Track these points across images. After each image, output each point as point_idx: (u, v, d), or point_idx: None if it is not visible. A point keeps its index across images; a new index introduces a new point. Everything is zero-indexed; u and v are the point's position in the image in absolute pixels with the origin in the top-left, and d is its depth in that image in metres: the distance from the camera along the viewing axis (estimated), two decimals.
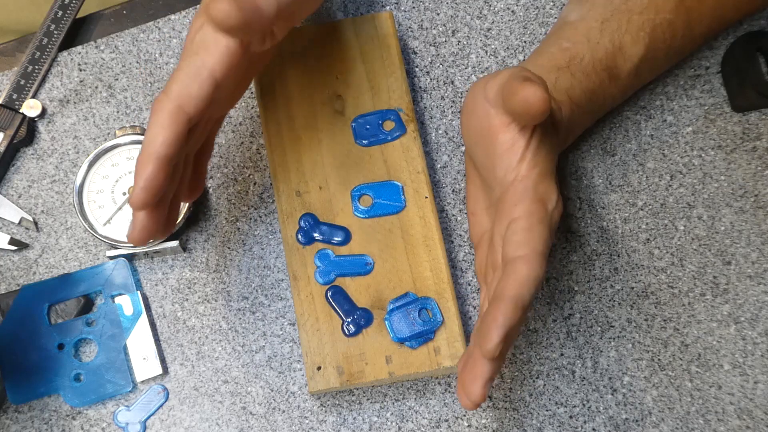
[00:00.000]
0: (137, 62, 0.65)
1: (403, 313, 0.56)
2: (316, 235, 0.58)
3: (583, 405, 0.59)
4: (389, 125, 0.60)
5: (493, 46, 0.65)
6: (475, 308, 0.60)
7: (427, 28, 0.66)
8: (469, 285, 0.61)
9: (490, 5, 0.66)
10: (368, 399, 0.59)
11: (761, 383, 0.59)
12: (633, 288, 0.61)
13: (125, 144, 0.61)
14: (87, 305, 0.60)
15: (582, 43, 0.56)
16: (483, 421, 0.58)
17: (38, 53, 0.64)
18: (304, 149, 0.60)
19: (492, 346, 0.45)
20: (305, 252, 0.58)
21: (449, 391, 0.59)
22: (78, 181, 0.60)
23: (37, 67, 0.64)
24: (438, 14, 0.66)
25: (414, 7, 0.66)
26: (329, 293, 0.57)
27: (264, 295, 0.61)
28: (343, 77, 0.61)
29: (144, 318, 0.59)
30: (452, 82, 0.65)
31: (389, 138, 0.59)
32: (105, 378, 0.58)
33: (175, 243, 0.60)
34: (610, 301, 0.61)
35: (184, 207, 0.59)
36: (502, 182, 0.51)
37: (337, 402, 0.59)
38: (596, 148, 0.63)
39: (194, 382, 0.59)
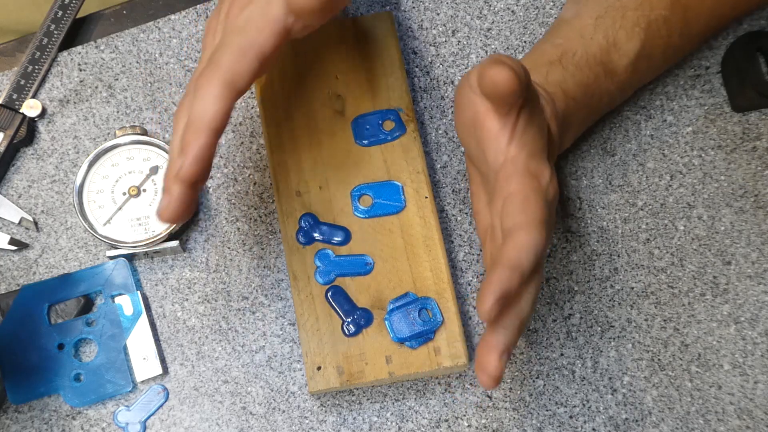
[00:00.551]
0: (137, 62, 0.65)
1: (403, 313, 0.56)
2: (316, 235, 0.58)
3: (583, 405, 0.59)
4: (389, 125, 0.60)
5: (493, 46, 0.65)
6: (475, 308, 0.60)
7: (427, 28, 0.66)
8: (469, 285, 0.61)
9: (490, 5, 0.66)
10: (368, 399, 0.59)
11: (761, 383, 0.59)
12: (633, 288, 0.61)
13: (125, 144, 0.61)
14: (87, 305, 0.60)
15: (575, 39, 0.56)
16: (483, 421, 0.58)
17: (38, 53, 0.64)
18: (304, 149, 0.60)
19: (486, 308, 0.45)
20: (305, 252, 0.58)
21: (449, 391, 0.59)
22: (78, 181, 0.60)
23: (37, 67, 0.64)
24: (438, 14, 0.66)
25: (414, 7, 0.66)
26: (329, 293, 0.57)
27: (264, 295, 0.61)
28: (343, 77, 0.61)
29: (144, 318, 0.59)
30: (452, 82, 0.65)
31: (389, 138, 0.59)
32: (105, 378, 0.58)
33: (175, 243, 0.60)
34: (610, 301, 0.61)
35: None
36: (494, 167, 0.51)
37: (337, 402, 0.59)
38: (596, 148, 0.63)
39: (194, 382, 0.59)
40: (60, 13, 0.65)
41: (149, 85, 0.64)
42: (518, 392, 0.59)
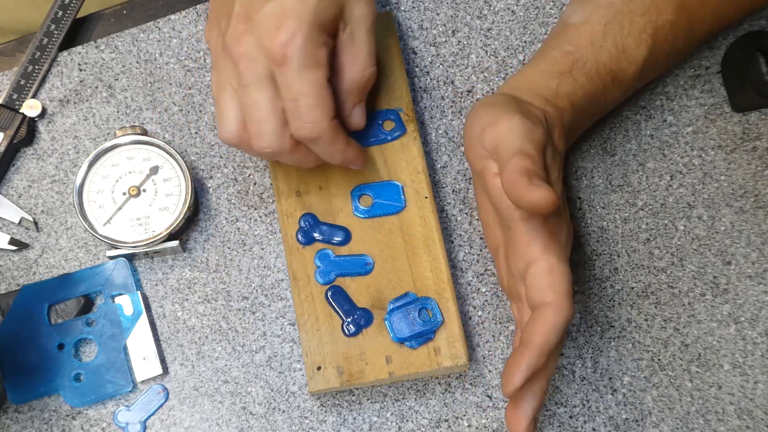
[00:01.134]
0: (137, 62, 0.65)
1: (403, 313, 0.56)
2: (316, 235, 0.58)
3: (583, 405, 0.59)
4: (389, 125, 0.60)
5: (493, 46, 0.65)
6: (475, 308, 0.60)
7: (427, 28, 0.66)
8: (469, 285, 0.61)
9: (490, 5, 0.66)
10: (368, 399, 0.59)
11: (761, 383, 0.59)
12: (633, 288, 0.61)
13: (125, 144, 0.61)
14: (87, 305, 0.60)
15: (585, 47, 0.56)
16: (483, 421, 0.58)
17: (38, 53, 0.64)
18: None
19: (511, 390, 0.47)
20: (305, 252, 0.58)
21: (449, 391, 0.59)
22: (78, 181, 0.60)
23: (37, 67, 0.64)
24: (438, 14, 0.66)
25: (414, 7, 0.66)
26: (329, 293, 0.57)
27: (264, 295, 0.61)
28: None
29: (144, 318, 0.59)
30: (452, 82, 0.65)
31: (389, 138, 0.59)
32: (105, 378, 0.58)
33: (175, 243, 0.60)
34: (610, 301, 0.61)
35: (183, 207, 0.59)
36: (508, 216, 0.51)
37: (337, 402, 0.59)
38: (596, 148, 0.63)
39: (194, 382, 0.59)
40: (60, 13, 0.65)
41: (149, 85, 0.64)
42: None
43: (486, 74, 0.65)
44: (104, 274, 0.60)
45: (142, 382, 0.59)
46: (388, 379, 0.55)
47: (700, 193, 0.62)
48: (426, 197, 0.58)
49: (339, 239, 0.58)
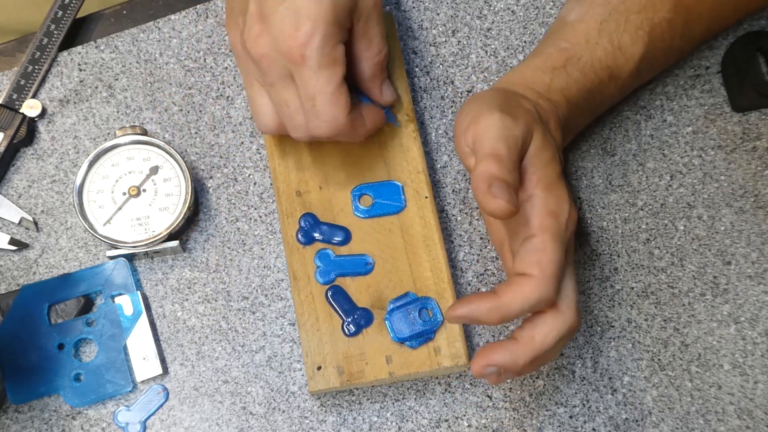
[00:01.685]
0: (137, 62, 0.65)
1: (403, 312, 0.56)
2: (316, 235, 0.58)
3: (583, 405, 0.59)
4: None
5: (493, 46, 0.65)
6: None
7: (427, 28, 0.66)
8: (469, 285, 0.61)
9: (490, 5, 0.66)
10: (368, 399, 0.59)
11: (761, 383, 0.59)
12: (633, 288, 0.61)
13: (125, 144, 0.61)
14: (87, 305, 0.60)
15: (580, 44, 0.56)
16: (483, 421, 0.58)
17: (38, 53, 0.64)
18: (304, 149, 0.60)
19: (451, 315, 0.49)
20: (305, 252, 0.58)
21: (449, 391, 0.59)
22: (78, 181, 0.60)
23: (37, 67, 0.64)
24: (438, 14, 0.66)
25: (414, 7, 0.66)
26: (329, 293, 0.57)
27: (264, 295, 0.61)
28: None
29: (144, 318, 0.59)
30: (452, 82, 0.65)
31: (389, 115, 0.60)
32: (105, 378, 0.58)
33: (175, 243, 0.60)
34: (610, 301, 0.61)
35: (183, 207, 0.59)
36: None
37: (337, 402, 0.59)
38: (596, 148, 0.63)
39: (194, 382, 0.59)
40: (60, 13, 0.65)
41: (149, 85, 0.64)
42: (518, 392, 0.59)
43: (486, 74, 0.65)
44: (104, 274, 0.60)
45: (142, 382, 0.59)
46: (388, 379, 0.55)
47: (700, 193, 0.62)
48: (426, 197, 0.58)
49: (339, 239, 0.58)
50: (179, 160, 0.60)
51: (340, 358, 0.55)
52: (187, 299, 0.61)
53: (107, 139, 0.63)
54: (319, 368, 0.55)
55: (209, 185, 0.63)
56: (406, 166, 0.59)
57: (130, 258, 0.61)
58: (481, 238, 0.61)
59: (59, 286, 0.60)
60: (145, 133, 0.61)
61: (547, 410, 0.59)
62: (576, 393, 0.59)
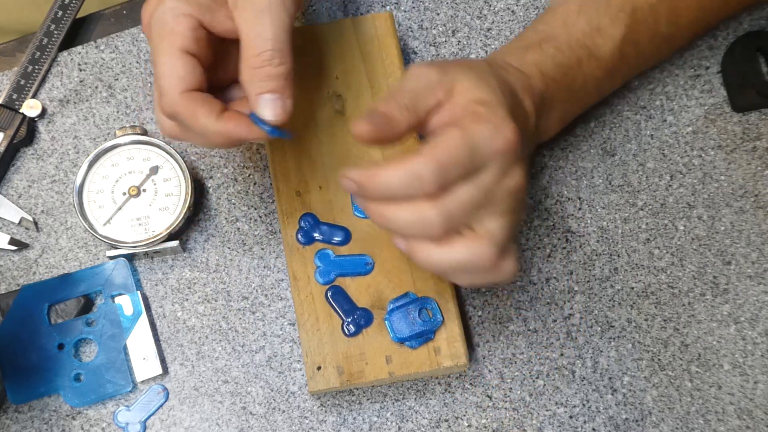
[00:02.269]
0: (137, 62, 0.65)
1: (403, 313, 0.56)
2: (316, 235, 0.58)
3: (583, 405, 0.59)
4: None
5: (493, 46, 0.65)
6: (475, 308, 0.60)
7: (427, 28, 0.66)
8: None
9: (490, 5, 0.66)
10: (368, 399, 0.59)
11: (761, 383, 0.59)
12: (633, 288, 0.61)
13: (125, 144, 0.61)
14: (87, 305, 0.60)
15: (558, 26, 0.57)
16: (483, 421, 0.58)
17: (38, 53, 0.64)
18: (304, 149, 0.60)
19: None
20: (305, 252, 0.58)
21: (449, 391, 0.59)
22: (78, 181, 0.60)
23: (37, 67, 0.64)
24: (438, 14, 0.66)
25: (414, 7, 0.66)
26: (329, 293, 0.57)
27: (264, 295, 0.61)
28: (343, 77, 0.61)
29: (144, 318, 0.59)
30: None
31: None
32: (105, 378, 0.58)
33: (175, 243, 0.60)
34: (610, 301, 0.61)
35: (183, 207, 0.59)
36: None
37: (337, 402, 0.59)
38: (596, 148, 0.63)
39: (194, 382, 0.59)
40: (60, 13, 0.65)
41: (149, 85, 0.64)
42: (518, 392, 0.59)
43: None
44: (104, 274, 0.60)
45: (142, 382, 0.59)
46: (388, 379, 0.55)
47: (700, 193, 0.62)
48: None
49: (339, 239, 0.58)
50: (179, 160, 0.60)
51: (340, 358, 0.55)
52: (187, 299, 0.61)
53: (107, 139, 0.63)
54: (319, 368, 0.55)
55: (209, 185, 0.63)
56: None
57: (130, 258, 0.61)
58: None
59: (59, 286, 0.60)
60: (145, 133, 0.61)
61: (547, 410, 0.59)
62: (576, 393, 0.59)
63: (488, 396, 0.59)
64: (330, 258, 0.58)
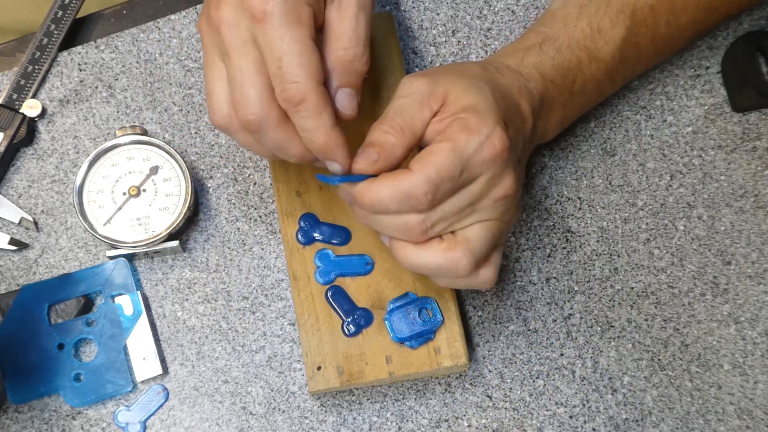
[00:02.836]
0: (137, 62, 0.65)
1: (403, 312, 0.56)
2: (316, 235, 0.58)
3: (583, 405, 0.59)
4: None
5: (493, 46, 0.65)
6: (475, 308, 0.60)
7: (427, 28, 0.66)
8: None
9: (490, 5, 0.66)
10: (368, 399, 0.59)
11: (761, 383, 0.59)
12: (633, 288, 0.61)
13: (125, 144, 0.61)
14: (87, 305, 0.60)
15: (558, 27, 0.57)
16: (483, 421, 0.58)
17: (38, 53, 0.64)
18: None
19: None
20: (305, 252, 0.58)
21: (449, 391, 0.59)
22: (78, 181, 0.60)
23: (37, 67, 0.64)
24: (438, 14, 0.66)
25: (414, 7, 0.66)
26: (329, 293, 0.57)
27: (264, 295, 0.61)
28: None
29: (144, 318, 0.59)
30: None
31: None
32: (105, 378, 0.58)
33: (175, 243, 0.60)
34: (610, 301, 0.61)
35: (183, 207, 0.59)
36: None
37: (337, 402, 0.59)
38: (596, 148, 0.63)
39: (194, 382, 0.59)
40: (60, 13, 0.65)
41: (149, 85, 0.64)
42: (518, 392, 0.59)
43: None
44: (104, 274, 0.60)
45: (142, 382, 0.59)
46: (388, 379, 0.55)
47: (700, 193, 0.62)
48: None
49: (339, 239, 0.58)
50: (179, 160, 0.60)
51: (340, 358, 0.55)
52: (187, 299, 0.61)
53: (107, 139, 0.63)
54: (319, 368, 0.55)
55: (209, 185, 0.63)
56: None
57: (130, 258, 0.61)
58: None
59: (59, 286, 0.60)
60: (145, 133, 0.61)
61: (547, 410, 0.59)
62: (576, 393, 0.59)
63: (488, 396, 0.59)
64: (330, 258, 0.58)
